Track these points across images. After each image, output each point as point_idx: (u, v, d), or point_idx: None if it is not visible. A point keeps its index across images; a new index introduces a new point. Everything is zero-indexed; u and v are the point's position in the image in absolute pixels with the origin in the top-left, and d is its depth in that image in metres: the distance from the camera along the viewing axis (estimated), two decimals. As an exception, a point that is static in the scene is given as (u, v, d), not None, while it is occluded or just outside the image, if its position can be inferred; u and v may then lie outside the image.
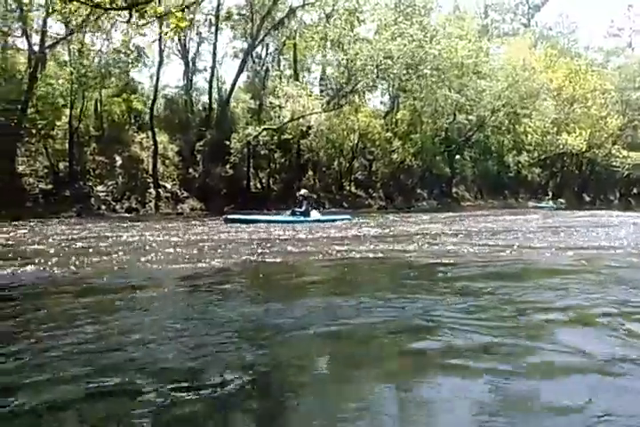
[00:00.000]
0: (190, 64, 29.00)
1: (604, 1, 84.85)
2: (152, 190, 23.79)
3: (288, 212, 15.36)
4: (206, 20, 25.90)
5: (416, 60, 23.77)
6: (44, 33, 19.49)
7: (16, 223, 15.02)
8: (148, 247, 8.47)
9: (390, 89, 29.64)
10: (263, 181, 28.35)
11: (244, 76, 31.18)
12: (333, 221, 15.42)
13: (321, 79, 30.23)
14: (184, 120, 27.62)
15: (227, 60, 29.89)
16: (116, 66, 22.37)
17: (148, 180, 24.17)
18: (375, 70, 23.97)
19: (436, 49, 24.02)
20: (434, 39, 24.59)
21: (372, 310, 4.09)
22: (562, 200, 40.23)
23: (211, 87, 26.02)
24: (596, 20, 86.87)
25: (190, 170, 25.19)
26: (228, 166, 26.23)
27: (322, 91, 28.44)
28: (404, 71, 24.31)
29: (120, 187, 23.17)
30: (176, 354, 2.92)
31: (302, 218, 14.73)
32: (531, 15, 52.86)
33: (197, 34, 30.17)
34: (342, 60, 24.10)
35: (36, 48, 19.98)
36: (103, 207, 21.77)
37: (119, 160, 24.38)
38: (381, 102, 37.12)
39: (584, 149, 35.98)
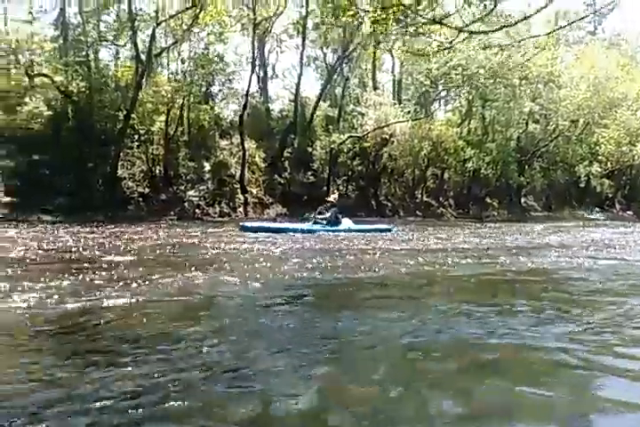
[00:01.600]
0: (270, 71, 29.68)
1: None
2: (240, 196, 24.31)
3: (311, 222, 13.66)
4: (293, 28, 26.33)
5: (504, 70, 23.77)
6: (151, 42, 20.17)
7: (139, 228, 15.53)
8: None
9: (468, 97, 29.54)
10: (340, 188, 28.62)
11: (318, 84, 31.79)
12: (370, 231, 13.52)
13: (398, 87, 30.41)
14: (264, 127, 28.18)
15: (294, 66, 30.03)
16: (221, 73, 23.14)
17: (236, 185, 24.70)
18: (463, 79, 24.06)
19: (523, 58, 23.97)
20: (520, 48, 24.52)
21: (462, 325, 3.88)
22: (630, 212, 39.61)
23: (297, 95, 26.45)
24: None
25: (275, 176, 25.62)
26: (309, 173, 26.65)
27: (398, 98, 28.61)
28: (491, 80, 24.34)
29: (210, 192, 23.76)
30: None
31: (329, 227, 13.08)
32: (598, 22, 52.06)
33: (277, 41, 30.99)
34: (429, 68, 24.23)
35: (143, 57, 20.65)
36: (198, 211, 22.35)
37: (207, 166, 25.01)
38: (446, 111, 37.19)
39: (660, 160, 35.24)
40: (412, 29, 11.49)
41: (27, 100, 19.21)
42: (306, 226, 13.17)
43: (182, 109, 24.73)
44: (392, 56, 28.97)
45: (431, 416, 2.43)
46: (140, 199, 21.67)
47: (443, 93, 27.60)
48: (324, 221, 13.28)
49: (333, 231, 12.77)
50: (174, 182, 23.35)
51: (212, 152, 25.73)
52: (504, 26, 13.93)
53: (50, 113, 19.38)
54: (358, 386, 2.69)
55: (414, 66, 26.53)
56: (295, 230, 12.59)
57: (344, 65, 31.16)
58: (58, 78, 19.85)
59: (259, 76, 30.11)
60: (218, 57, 24.48)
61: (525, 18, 14.79)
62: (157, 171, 23.26)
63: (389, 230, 13.82)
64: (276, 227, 13.16)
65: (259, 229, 12.75)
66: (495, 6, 12.66)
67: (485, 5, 12.93)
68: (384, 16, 5.90)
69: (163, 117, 23.30)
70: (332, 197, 14.30)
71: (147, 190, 22.28)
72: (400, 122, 24.37)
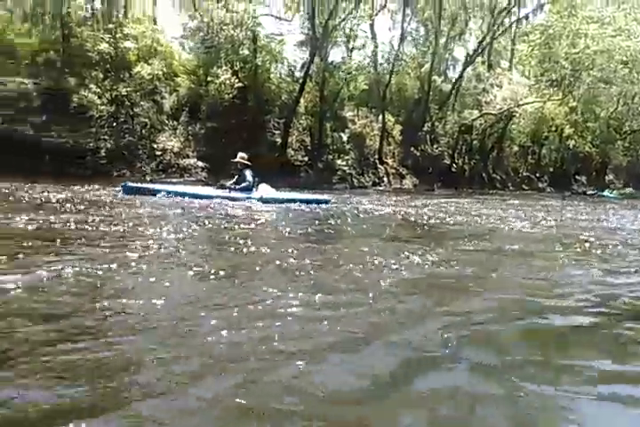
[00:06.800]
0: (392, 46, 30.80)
1: None
2: (380, 166, 25.98)
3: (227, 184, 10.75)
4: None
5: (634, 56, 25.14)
6: (327, 23, 21.50)
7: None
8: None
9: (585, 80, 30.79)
10: (457, 160, 30.26)
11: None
12: (298, 201, 10.62)
13: (510, 65, 31.63)
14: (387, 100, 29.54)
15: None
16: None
17: (375, 156, 26.32)
18: (592, 64, 25.45)
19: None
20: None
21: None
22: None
23: (430, 73, 27.73)
24: None
25: (411, 149, 27.20)
26: (434, 146, 28.23)
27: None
28: (621, 66, 25.73)
29: (356, 162, 25.40)
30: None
31: (240, 195, 10.26)
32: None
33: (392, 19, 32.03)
34: (568, 52, 25.54)
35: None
36: (355, 181, 24.02)
37: (344, 137, 26.54)
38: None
39: None
40: None
41: (219, 71, 20.63)
42: (203, 191, 10.75)
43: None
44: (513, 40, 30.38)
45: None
46: (306, 167, 23.33)
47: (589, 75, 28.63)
48: (236, 188, 10.42)
49: (250, 200, 10.20)
50: (323, 152, 24.96)
51: (347, 123, 27.24)
52: None
53: (240, 85, 20.82)
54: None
55: (541, 49, 27.81)
56: (199, 196, 10.03)
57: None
58: (244, 52, 21.27)
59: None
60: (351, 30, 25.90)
61: None
62: (309, 141, 24.83)
63: (326, 202, 11.13)
64: (168, 190, 10.27)
65: (144, 190, 10.07)
66: None
67: None
68: None
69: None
70: (239, 157, 10.84)
71: (306, 159, 23.90)
72: (537, 101, 25.80)
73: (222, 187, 10.60)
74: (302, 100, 25.08)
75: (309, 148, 24.62)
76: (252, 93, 21.95)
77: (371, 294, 3.24)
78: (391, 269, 4.03)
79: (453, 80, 30.70)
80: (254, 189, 10.43)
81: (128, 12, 22.01)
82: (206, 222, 6.61)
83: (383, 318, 2.86)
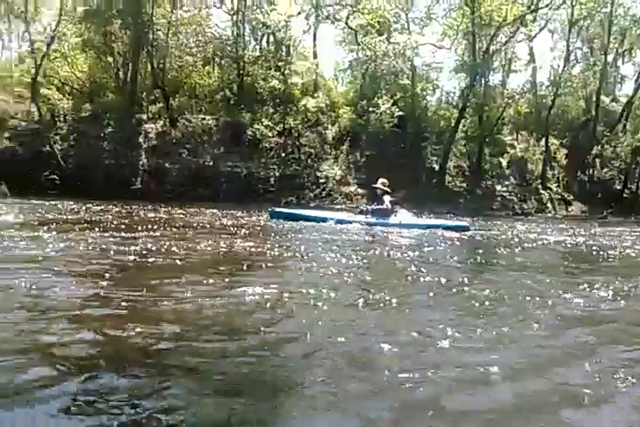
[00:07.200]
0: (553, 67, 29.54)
1: None
2: (544, 192, 24.75)
3: (366, 209, 10.85)
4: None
5: None
6: (489, 46, 21.25)
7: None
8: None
9: None
10: (630, 185, 27.91)
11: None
12: (433, 226, 10.30)
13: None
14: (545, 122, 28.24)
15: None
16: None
17: (537, 181, 25.17)
18: None
19: None
20: None
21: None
22: None
23: (598, 92, 26.16)
24: None
25: (578, 173, 25.70)
26: (604, 170, 26.34)
27: None
28: None
29: (516, 187, 24.50)
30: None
31: (380, 220, 10.23)
32: None
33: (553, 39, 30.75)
34: None
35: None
36: (516, 207, 23.17)
37: (503, 162, 25.74)
38: None
39: None
40: None
41: (379, 101, 21.22)
42: (345, 216, 10.84)
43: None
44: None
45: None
46: (466, 193, 22.98)
47: None
48: (371, 211, 10.42)
49: (378, 225, 10.10)
50: (482, 177, 24.39)
51: (506, 148, 26.42)
52: None
53: (400, 113, 21.23)
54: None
55: None
56: (344, 222, 10.15)
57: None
58: (403, 81, 21.71)
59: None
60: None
61: None
62: (467, 166, 24.45)
63: (465, 228, 10.48)
64: (310, 215, 10.69)
65: (288, 215, 10.59)
66: None
67: None
68: None
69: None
70: (380, 183, 10.75)
71: (465, 184, 23.53)
72: None
73: (362, 212, 10.66)
74: (460, 126, 24.86)
75: (467, 173, 24.25)
76: (411, 121, 22.23)
77: (552, 333, 2.91)
78: (573, 307, 3.54)
79: (623, 99, 28.67)
80: (393, 215, 10.41)
81: (291, 49, 23.65)
82: (357, 247, 6.64)
83: (582, 363, 2.41)
